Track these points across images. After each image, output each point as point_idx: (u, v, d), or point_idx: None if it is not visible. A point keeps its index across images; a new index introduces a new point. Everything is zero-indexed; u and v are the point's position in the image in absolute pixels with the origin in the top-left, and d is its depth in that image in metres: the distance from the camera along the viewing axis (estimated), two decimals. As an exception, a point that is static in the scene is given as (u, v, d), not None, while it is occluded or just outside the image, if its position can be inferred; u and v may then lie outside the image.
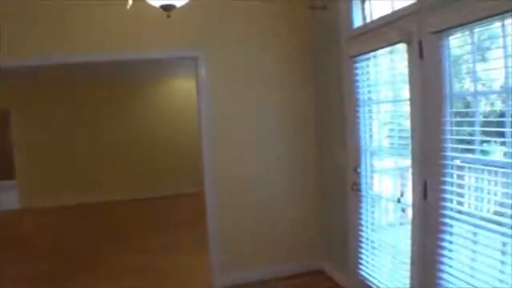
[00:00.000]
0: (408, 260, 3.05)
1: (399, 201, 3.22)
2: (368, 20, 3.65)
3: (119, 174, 9.67)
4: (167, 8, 2.10)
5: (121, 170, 9.69)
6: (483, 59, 2.45)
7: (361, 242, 3.77)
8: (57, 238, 6.86)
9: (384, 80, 3.41)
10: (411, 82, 2.89)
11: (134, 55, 4.21)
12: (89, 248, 6.19)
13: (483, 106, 2.52)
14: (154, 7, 2.21)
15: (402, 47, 3.00)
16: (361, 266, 3.79)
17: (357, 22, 3.73)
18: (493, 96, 2.44)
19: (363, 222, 3.74)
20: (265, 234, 4.49)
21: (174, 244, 6.08)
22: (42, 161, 9.39)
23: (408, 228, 3.06)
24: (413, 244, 2.98)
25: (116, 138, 9.73)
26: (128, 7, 2.13)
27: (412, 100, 2.90)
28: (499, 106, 2.35)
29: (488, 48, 2.40)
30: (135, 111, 9.88)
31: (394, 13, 3.10)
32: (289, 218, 4.57)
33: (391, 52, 3.23)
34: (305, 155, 4.59)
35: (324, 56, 4.31)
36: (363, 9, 3.73)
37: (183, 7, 2.45)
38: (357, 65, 3.65)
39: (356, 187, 3.73)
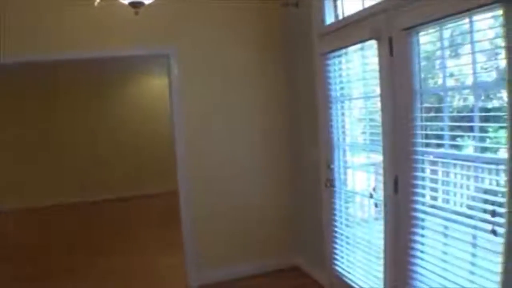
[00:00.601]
0: (382, 255, 3.09)
1: (371, 196, 3.25)
2: (340, 17, 3.68)
3: (93, 174, 9.50)
4: (135, 5, 2.07)
5: (95, 169, 9.53)
6: (453, 55, 2.49)
7: (336, 238, 3.80)
8: (32, 240, 6.72)
9: (356, 76, 3.43)
10: (382, 79, 2.92)
11: (104, 52, 4.12)
12: (64, 249, 6.07)
13: (456, 101, 2.56)
14: (125, 4, 2.19)
15: (373, 44, 3.03)
16: (336, 262, 3.82)
17: (329, 19, 3.75)
18: (466, 91, 2.48)
19: (337, 218, 3.77)
20: (240, 232, 4.49)
21: (152, 244, 6.02)
22: (6, 164, 9.12)
23: (381, 223, 3.10)
24: (385, 239, 3.02)
25: (89, 137, 9.55)
26: (96, 3, 2.09)
27: (382, 96, 2.93)
28: (470, 101, 2.39)
29: (458, 44, 2.44)
30: (108, 110, 9.72)
31: (365, 10, 3.13)
32: (264, 215, 4.57)
33: (362, 48, 3.25)
34: (279, 153, 4.60)
35: (297, 53, 4.33)
36: (335, 6, 3.76)
37: (154, 5, 2.42)
38: (329, 61, 3.67)
39: (329, 183, 3.75)
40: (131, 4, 2.06)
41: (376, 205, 3.23)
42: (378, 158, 3.12)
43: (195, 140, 4.32)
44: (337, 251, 3.81)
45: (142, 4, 2.09)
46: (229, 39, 4.38)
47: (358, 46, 3.27)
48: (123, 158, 9.73)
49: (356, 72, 3.43)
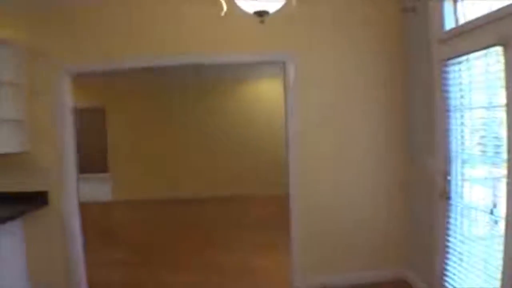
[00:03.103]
0: (499, 276, 2.89)
1: (491, 212, 3.05)
2: (461, 21, 3.50)
3: (203, 172, 10.03)
4: (261, 14, 2.16)
5: (206, 168, 10.05)
6: None
7: (449, 253, 3.62)
8: (142, 230, 7.29)
9: (477, 85, 3.24)
10: (508, 88, 2.73)
11: (223, 58, 4.39)
12: (171, 241, 6.53)
13: None
14: (242, 10, 2.28)
15: (498, 50, 2.84)
16: (447, 278, 3.64)
17: (449, 24, 3.58)
18: None
19: (451, 232, 3.59)
20: (348, 240, 4.47)
21: (255, 244, 6.19)
22: (131, 157, 9.99)
23: (501, 242, 2.90)
24: (504, 259, 2.82)
25: (201, 137, 10.13)
26: (223, 14, 2.22)
27: (509, 106, 2.74)
28: None
29: None
30: (220, 112, 10.21)
31: (490, 14, 2.94)
32: (374, 225, 4.49)
33: (485, 55, 3.07)
34: (393, 161, 4.49)
35: (415, 59, 4.19)
36: (455, 10, 3.58)
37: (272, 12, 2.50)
38: (449, 69, 3.51)
39: (445, 195, 3.58)
40: (256, 13, 2.15)
41: (495, 222, 3.02)
42: (499, 171, 2.93)
43: (307, 146, 4.38)
44: (449, 268, 3.62)
45: (267, 13, 2.17)
46: (346, 45, 4.39)
47: (481, 52, 3.09)
48: (235, 158, 10.13)
49: (478, 80, 3.23)
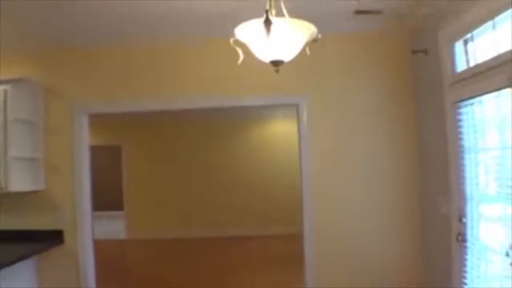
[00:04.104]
0: (518, 319, 2.82)
1: (507, 254, 3.00)
2: (472, 63, 3.54)
3: (219, 210, 10.02)
4: (276, 63, 2.24)
5: (221, 207, 10.05)
6: None
7: (465, 295, 3.55)
8: (156, 269, 7.24)
9: (490, 126, 3.26)
10: (520, 129, 2.74)
11: (241, 101, 4.50)
12: (186, 280, 6.50)
13: None
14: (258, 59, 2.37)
15: (509, 92, 2.87)
16: (464, 321, 3.56)
17: (460, 66, 3.63)
18: None
19: (467, 275, 3.53)
20: (362, 281, 4.39)
21: (269, 284, 6.12)
22: (146, 195, 10.04)
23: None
24: (522, 303, 2.77)
25: (217, 175, 10.17)
26: (239, 62, 2.29)
27: (521, 148, 2.75)
28: None
29: None
30: (234, 151, 10.28)
31: (501, 56, 2.99)
32: (388, 268, 4.44)
33: (498, 96, 3.10)
34: (406, 203, 4.46)
35: (427, 101, 4.23)
36: (466, 52, 3.63)
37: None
38: (461, 110, 3.53)
39: (461, 238, 3.54)
40: (272, 63, 2.23)
41: (511, 264, 2.97)
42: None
43: (321, 187, 4.42)
44: (466, 310, 3.55)
45: (282, 62, 2.25)
46: (359, 88, 4.47)
47: (494, 94, 3.12)
48: (250, 197, 10.14)
49: (491, 122, 3.25)
